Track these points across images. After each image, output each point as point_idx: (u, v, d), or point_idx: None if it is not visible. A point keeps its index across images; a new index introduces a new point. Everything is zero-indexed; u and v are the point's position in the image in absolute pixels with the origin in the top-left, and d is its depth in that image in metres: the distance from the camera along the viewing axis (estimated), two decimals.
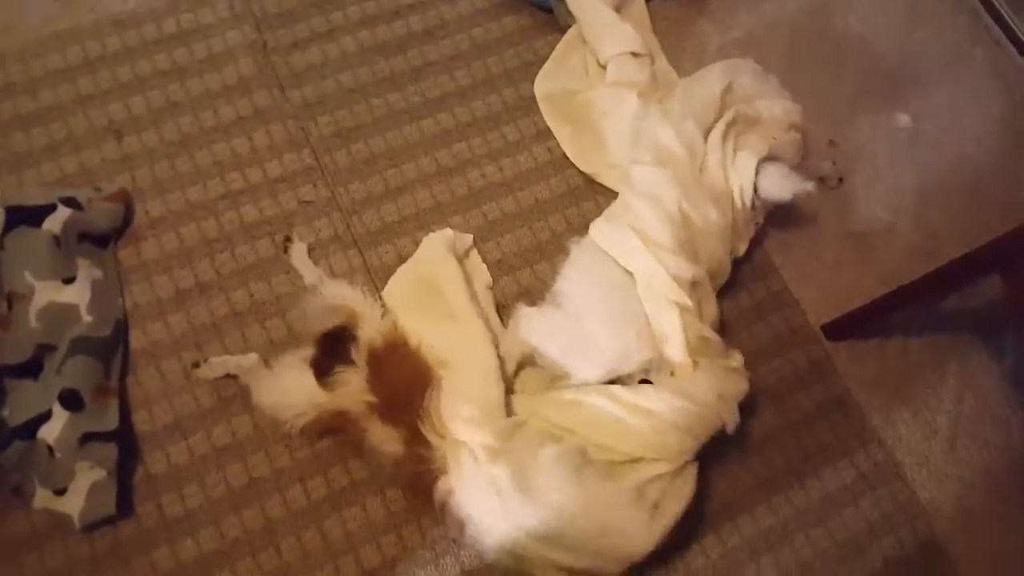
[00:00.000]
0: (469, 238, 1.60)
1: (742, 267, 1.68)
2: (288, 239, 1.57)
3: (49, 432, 1.33)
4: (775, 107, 1.63)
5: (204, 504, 1.41)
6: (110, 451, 1.36)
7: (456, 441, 1.31)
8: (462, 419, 1.30)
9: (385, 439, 1.34)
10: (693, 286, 1.44)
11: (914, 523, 1.55)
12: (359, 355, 1.36)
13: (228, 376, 1.47)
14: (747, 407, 1.57)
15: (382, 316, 1.43)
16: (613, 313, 1.40)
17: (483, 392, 1.34)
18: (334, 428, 1.41)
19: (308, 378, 1.37)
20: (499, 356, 1.38)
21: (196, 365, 1.46)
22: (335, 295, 1.47)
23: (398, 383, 1.34)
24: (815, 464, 1.56)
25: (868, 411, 1.62)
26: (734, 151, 1.57)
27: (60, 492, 1.33)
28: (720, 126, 1.58)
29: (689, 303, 1.40)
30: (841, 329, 1.63)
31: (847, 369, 1.64)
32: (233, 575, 1.37)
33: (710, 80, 1.63)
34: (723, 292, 1.65)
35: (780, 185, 1.56)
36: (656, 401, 1.33)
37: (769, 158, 1.57)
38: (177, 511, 1.40)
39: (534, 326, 1.39)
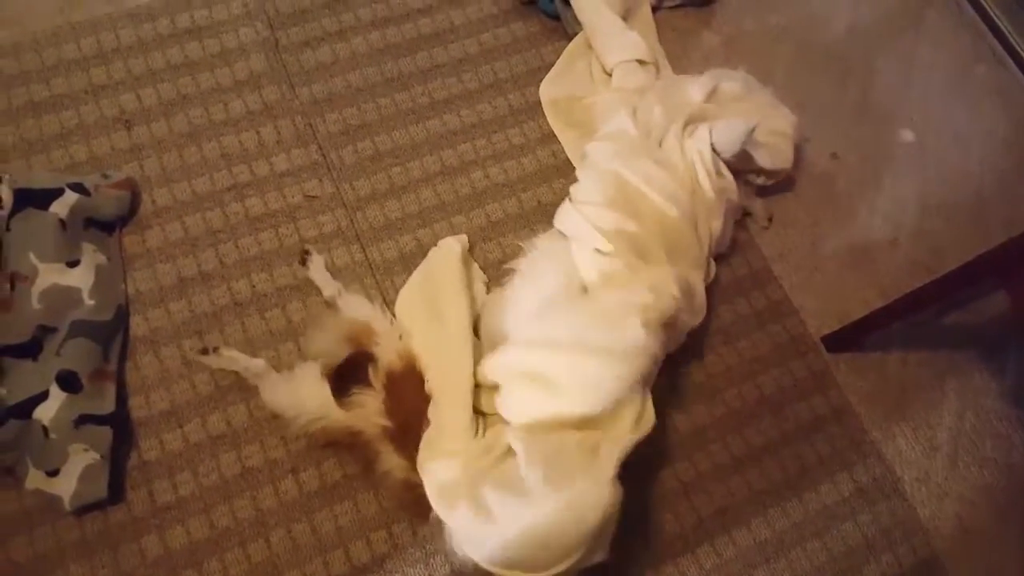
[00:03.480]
0: (463, 238, 1.60)
1: (740, 274, 1.69)
2: (307, 252, 1.57)
3: (45, 412, 1.33)
4: (764, 108, 1.63)
5: (196, 492, 1.40)
6: (105, 435, 1.36)
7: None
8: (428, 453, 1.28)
9: (396, 466, 1.32)
10: (627, 237, 1.42)
11: (912, 540, 1.53)
12: (377, 378, 1.34)
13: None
14: (745, 416, 1.58)
15: (400, 337, 1.41)
16: (551, 282, 1.39)
17: (452, 411, 1.31)
18: (344, 443, 1.39)
19: (325, 391, 1.36)
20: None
21: (205, 352, 1.46)
22: (354, 311, 1.46)
23: (414, 410, 1.32)
24: (813, 477, 1.55)
25: (868, 425, 1.60)
26: (691, 135, 1.57)
27: (52, 473, 1.33)
28: (688, 118, 1.59)
29: (608, 247, 1.39)
30: (841, 341, 1.63)
31: (847, 381, 1.63)
32: (222, 565, 1.36)
33: (694, 80, 1.64)
34: (722, 298, 1.66)
35: (726, 137, 1.53)
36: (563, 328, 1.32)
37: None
38: (168, 498, 1.40)
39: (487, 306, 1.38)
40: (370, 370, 1.34)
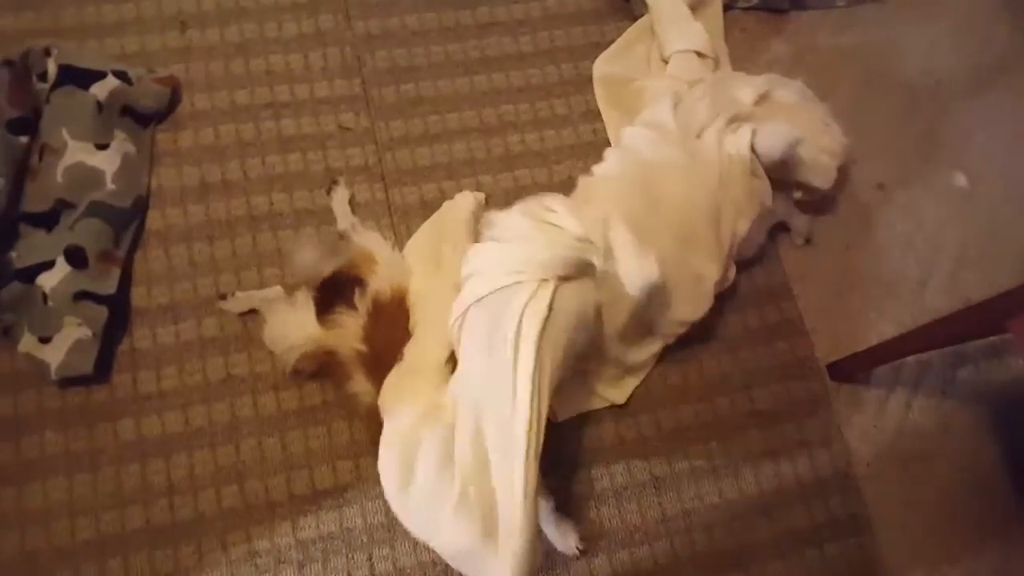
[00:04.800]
0: (482, 196, 1.60)
1: (758, 284, 1.65)
2: (335, 182, 1.58)
3: (47, 280, 1.37)
4: (816, 123, 1.58)
5: (178, 388, 1.43)
6: (100, 313, 1.39)
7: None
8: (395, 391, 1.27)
9: (364, 391, 1.32)
10: (624, 209, 1.37)
11: None
12: (363, 301, 1.34)
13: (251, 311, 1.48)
14: (732, 426, 1.54)
15: (401, 274, 1.41)
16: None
17: (429, 350, 1.30)
18: (322, 366, 1.40)
19: (309, 314, 1.37)
20: None
21: (223, 297, 1.48)
22: (366, 242, 1.47)
23: (392, 341, 1.32)
24: (787, 499, 1.51)
25: (856, 460, 1.56)
26: (735, 132, 1.53)
27: (45, 340, 1.37)
28: (734, 116, 1.54)
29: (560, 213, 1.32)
30: (847, 370, 1.58)
31: (844, 412, 1.58)
32: (189, 461, 1.39)
33: (748, 80, 1.60)
34: (735, 306, 1.62)
35: (770, 142, 1.50)
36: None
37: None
38: (151, 388, 1.43)
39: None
40: (357, 293, 1.34)
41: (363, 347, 1.32)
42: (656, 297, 1.40)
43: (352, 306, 1.34)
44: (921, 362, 1.63)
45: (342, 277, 1.41)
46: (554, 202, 1.33)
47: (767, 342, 1.62)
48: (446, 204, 1.57)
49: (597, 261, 1.27)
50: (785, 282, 1.67)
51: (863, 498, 1.52)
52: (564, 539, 1.39)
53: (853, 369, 1.58)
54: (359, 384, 1.33)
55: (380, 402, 1.26)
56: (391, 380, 1.27)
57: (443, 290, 1.33)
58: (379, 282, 1.38)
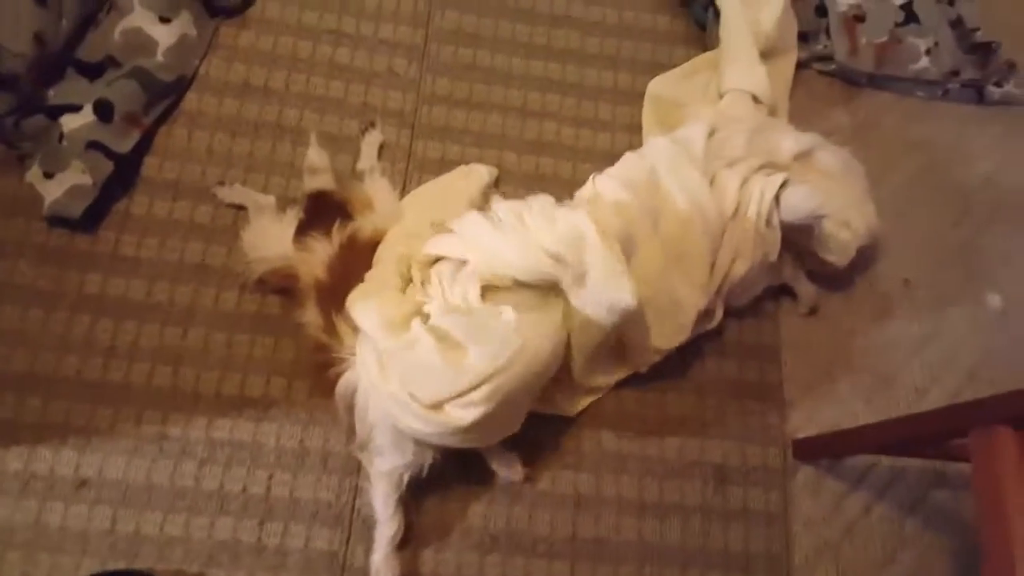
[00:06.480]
0: (495, 171, 1.60)
1: (746, 338, 1.58)
2: (372, 124, 1.61)
3: (69, 121, 1.43)
4: (850, 196, 1.52)
5: (152, 259, 1.46)
6: (106, 167, 1.43)
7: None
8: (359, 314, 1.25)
9: (312, 322, 1.32)
10: (619, 213, 1.35)
11: None
12: (339, 233, 1.35)
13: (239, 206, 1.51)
14: (674, 469, 1.47)
15: (392, 220, 1.42)
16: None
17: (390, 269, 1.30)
18: (285, 285, 1.41)
19: (289, 232, 1.39)
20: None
21: (221, 183, 1.52)
22: (374, 190, 1.48)
23: (352, 277, 1.31)
24: (709, 561, 1.41)
25: (794, 547, 1.46)
26: (767, 176, 1.48)
27: (48, 176, 1.42)
28: (768, 163, 1.49)
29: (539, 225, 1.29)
30: (812, 450, 1.49)
31: (797, 494, 1.49)
32: (136, 331, 1.41)
33: (793, 133, 1.55)
34: (715, 351, 1.56)
35: (797, 201, 1.45)
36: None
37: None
38: (129, 252, 1.46)
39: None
40: (337, 224, 1.34)
41: (324, 276, 1.32)
42: (632, 323, 1.35)
43: (327, 235, 1.35)
44: (895, 469, 1.53)
45: (332, 204, 1.43)
46: (536, 206, 1.31)
47: (738, 397, 1.54)
48: (459, 169, 1.57)
49: (565, 281, 1.24)
50: (776, 345, 1.59)
51: None
52: (509, 468, 1.38)
53: (818, 451, 1.49)
54: (309, 314, 1.33)
55: (348, 302, 1.25)
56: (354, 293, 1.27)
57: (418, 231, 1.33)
58: (364, 223, 1.39)
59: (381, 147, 1.60)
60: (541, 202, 1.33)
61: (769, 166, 1.50)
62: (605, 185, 1.40)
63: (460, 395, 1.15)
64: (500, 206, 1.32)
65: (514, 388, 1.18)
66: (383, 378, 1.17)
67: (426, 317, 1.22)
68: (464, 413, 1.16)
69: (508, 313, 1.18)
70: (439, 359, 1.15)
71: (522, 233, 1.26)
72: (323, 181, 1.47)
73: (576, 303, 1.27)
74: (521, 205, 1.32)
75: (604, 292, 1.25)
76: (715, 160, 1.47)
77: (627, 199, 1.37)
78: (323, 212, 1.39)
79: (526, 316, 1.20)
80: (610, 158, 1.66)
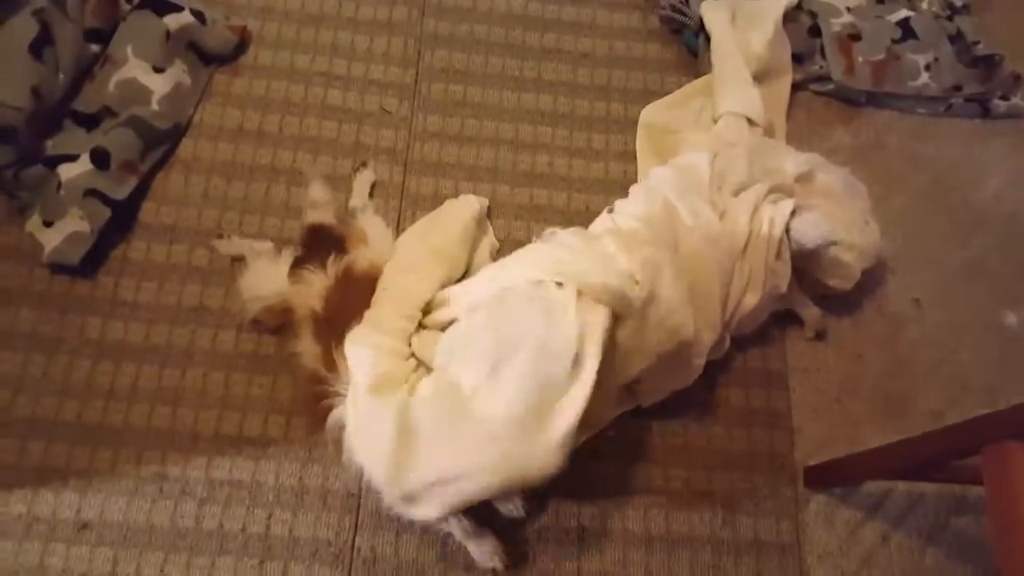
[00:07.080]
0: (485, 201, 1.60)
1: (752, 365, 1.54)
2: (364, 164, 1.63)
3: (67, 171, 1.46)
4: (854, 216, 1.48)
5: (151, 303, 1.48)
6: (103, 213, 1.46)
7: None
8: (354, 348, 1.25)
9: (307, 351, 1.32)
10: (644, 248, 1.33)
11: None
12: (335, 265, 1.35)
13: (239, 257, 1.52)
14: (681, 501, 1.43)
15: (385, 255, 1.42)
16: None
17: (391, 311, 1.30)
18: (281, 322, 1.41)
19: (283, 270, 1.40)
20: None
21: (219, 236, 1.54)
22: (367, 225, 1.48)
23: (349, 309, 1.31)
24: None
25: None
26: (774, 203, 1.45)
27: (48, 224, 1.45)
28: (775, 187, 1.47)
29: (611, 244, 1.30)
30: (824, 477, 1.44)
31: (810, 523, 1.43)
32: (135, 372, 1.42)
33: (792, 154, 1.53)
34: (721, 380, 1.52)
35: (807, 228, 1.42)
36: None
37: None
38: (128, 296, 1.48)
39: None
40: (332, 257, 1.35)
41: (319, 307, 1.32)
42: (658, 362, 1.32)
43: (323, 267, 1.35)
44: (913, 495, 1.46)
45: (330, 237, 1.43)
46: (606, 235, 1.33)
47: (744, 425, 1.50)
48: (448, 203, 1.57)
49: (636, 302, 1.23)
50: (783, 371, 1.55)
51: None
52: (487, 555, 1.32)
53: (830, 478, 1.44)
54: (304, 343, 1.32)
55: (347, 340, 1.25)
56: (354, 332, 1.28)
57: (421, 261, 1.33)
58: (360, 255, 1.39)
59: (373, 186, 1.61)
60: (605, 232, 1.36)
61: (776, 190, 1.48)
62: (624, 219, 1.39)
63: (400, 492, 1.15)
64: (563, 233, 1.35)
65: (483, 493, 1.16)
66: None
67: (412, 388, 1.22)
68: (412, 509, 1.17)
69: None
70: (388, 447, 1.14)
71: (601, 252, 1.28)
72: (324, 215, 1.48)
73: (631, 327, 1.25)
74: (586, 232, 1.36)
75: (670, 318, 1.27)
76: (721, 187, 1.45)
77: (646, 234, 1.36)
78: (320, 246, 1.40)
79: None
80: (604, 187, 1.67)
